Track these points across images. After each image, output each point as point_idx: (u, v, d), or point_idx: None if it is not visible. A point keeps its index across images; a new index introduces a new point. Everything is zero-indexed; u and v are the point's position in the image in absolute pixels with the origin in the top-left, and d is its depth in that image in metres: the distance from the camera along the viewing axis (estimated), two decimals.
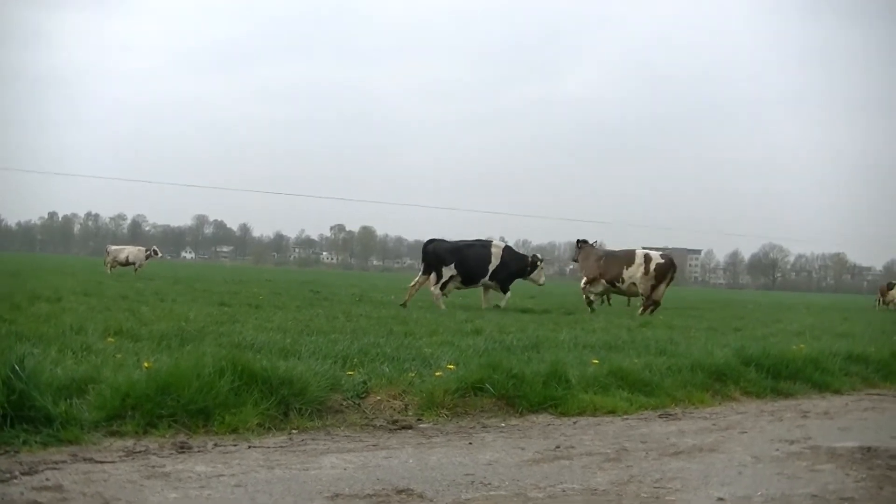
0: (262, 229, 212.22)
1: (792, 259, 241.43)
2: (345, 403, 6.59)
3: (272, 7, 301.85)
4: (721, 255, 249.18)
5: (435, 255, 23.50)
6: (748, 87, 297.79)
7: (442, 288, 23.02)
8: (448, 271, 23.08)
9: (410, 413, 6.66)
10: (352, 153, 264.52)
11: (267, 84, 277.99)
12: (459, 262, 23.26)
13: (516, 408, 6.98)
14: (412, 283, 23.97)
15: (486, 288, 23.91)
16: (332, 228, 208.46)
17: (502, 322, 16.01)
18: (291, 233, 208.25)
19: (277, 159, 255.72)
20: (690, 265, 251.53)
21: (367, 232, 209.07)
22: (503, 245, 24.88)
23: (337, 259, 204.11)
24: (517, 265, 24.22)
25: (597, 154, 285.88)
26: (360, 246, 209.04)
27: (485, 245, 24.41)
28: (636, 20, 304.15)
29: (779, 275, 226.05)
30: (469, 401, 6.91)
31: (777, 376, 8.74)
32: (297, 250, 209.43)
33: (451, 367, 7.61)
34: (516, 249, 26.17)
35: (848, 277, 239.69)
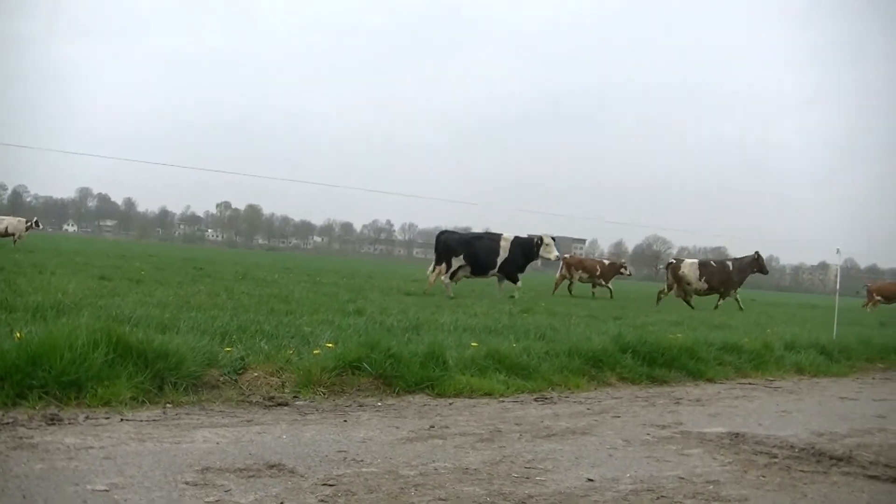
0: (147, 204, 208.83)
1: (675, 251, 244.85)
2: (221, 379, 6.51)
3: None
4: (605, 246, 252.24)
5: (446, 246, 24.87)
6: (640, 77, 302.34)
7: (451, 277, 24.29)
8: (457, 262, 24.41)
9: (287, 390, 6.60)
10: (247, 130, 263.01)
11: (163, 53, 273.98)
12: (469, 253, 24.49)
13: (393, 387, 6.97)
14: (429, 272, 25.34)
15: (499, 279, 24.76)
16: (218, 206, 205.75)
17: (385, 304, 16.00)
18: (177, 209, 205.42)
19: (169, 132, 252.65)
20: (575, 253, 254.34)
21: (253, 210, 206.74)
22: (512, 237, 25.37)
23: (222, 237, 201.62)
24: (525, 253, 24.95)
25: (488, 137, 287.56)
26: (245, 224, 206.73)
27: (493, 238, 25.31)
28: (529, 4, 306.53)
29: (661, 266, 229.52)
30: (346, 379, 6.87)
31: (653, 363, 8.87)
32: (182, 227, 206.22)
33: (330, 345, 7.58)
34: (521, 236, 26.69)
35: None
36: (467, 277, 25.15)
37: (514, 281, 24.51)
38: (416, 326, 10.37)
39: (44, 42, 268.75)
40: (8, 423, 5.02)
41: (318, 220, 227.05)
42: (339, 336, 8.42)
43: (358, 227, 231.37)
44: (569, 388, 7.72)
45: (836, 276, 15.03)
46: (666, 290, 29.09)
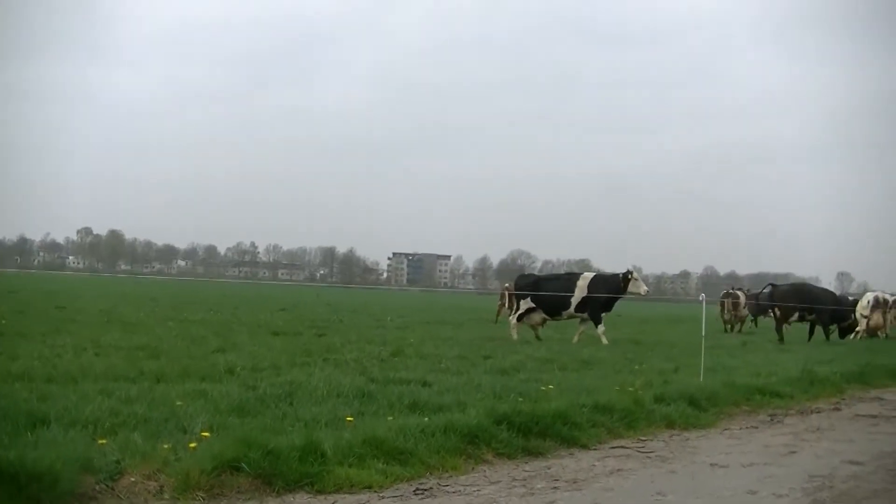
0: (4, 231, 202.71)
1: (539, 265, 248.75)
2: (98, 488, 6.30)
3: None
4: (470, 261, 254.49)
5: (516, 287, 25.71)
6: (493, 104, 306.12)
7: (519, 319, 24.75)
8: (525, 304, 24.75)
9: (166, 496, 6.43)
10: (104, 153, 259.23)
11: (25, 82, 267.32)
12: (538, 296, 24.62)
13: (273, 486, 6.82)
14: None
15: (583, 320, 24.58)
16: (78, 232, 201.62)
17: (255, 351, 15.77)
18: (36, 235, 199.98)
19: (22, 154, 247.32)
20: (440, 270, 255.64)
21: (114, 236, 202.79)
22: (591, 276, 25.28)
23: (84, 263, 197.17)
24: (608, 291, 24.58)
25: (350, 161, 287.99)
26: (108, 250, 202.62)
27: (570, 277, 25.54)
28: (388, 29, 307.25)
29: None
30: (225, 480, 6.71)
31: (528, 433, 8.87)
32: (41, 254, 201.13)
33: (206, 434, 7.42)
34: (604, 272, 26.72)
35: None
36: (545, 321, 25.16)
37: (596, 323, 24.20)
38: (289, 394, 10.22)
39: None
40: None
41: (181, 244, 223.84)
42: (213, 414, 8.26)
43: (222, 249, 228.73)
44: (446, 471, 7.66)
45: (702, 301, 15.27)
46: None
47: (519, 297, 25.27)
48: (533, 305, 24.76)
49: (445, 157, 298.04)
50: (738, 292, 38.79)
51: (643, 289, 25.07)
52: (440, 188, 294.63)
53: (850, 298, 34.25)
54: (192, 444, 7.08)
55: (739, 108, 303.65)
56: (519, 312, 25.00)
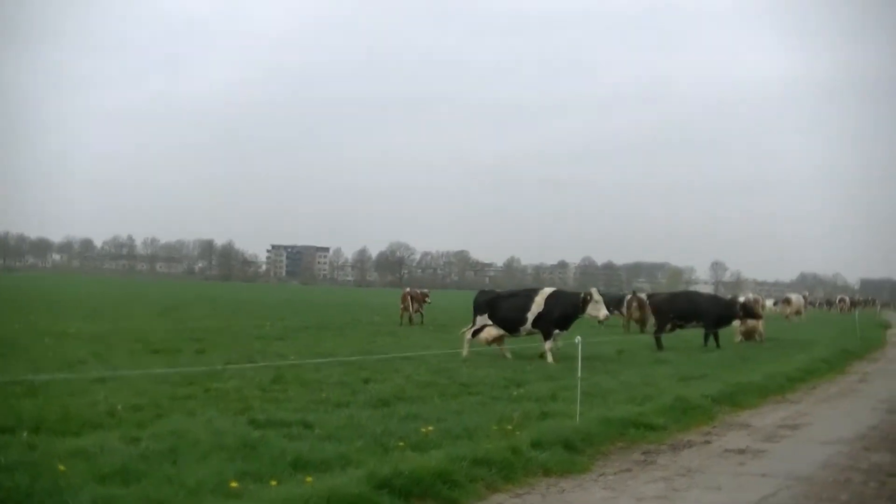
0: None
1: (418, 256, 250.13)
2: None
3: None
4: (349, 253, 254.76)
5: (475, 304, 25.68)
6: (366, 87, 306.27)
7: (474, 334, 25.07)
8: (481, 320, 24.95)
9: None
10: None
11: None
12: (493, 311, 24.87)
13: None
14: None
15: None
16: None
17: (135, 382, 15.62)
18: None
19: None
20: (319, 263, 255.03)
21: None
22: (549, 291, 25.20)
23: None
24: (565, 309, 24.55)
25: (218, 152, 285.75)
26: None
27: (528, 293, 25.30)
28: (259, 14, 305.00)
29: (405, 272, 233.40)
30: None
31: (408, 497, 9.03)
32: None
33: None
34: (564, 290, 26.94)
35: (471, 273, 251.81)
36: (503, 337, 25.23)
37: (546, 338, 24.28)
38: (173, 450, 10.18)
39: None
40: None
41: (56, 238, 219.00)
42: (97, 490, 8.19)
43: (98, 243, 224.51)
44: None
45: (578, 344, 15.51)
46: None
47: (476, 313, 25.48)
48: (489, 323, 25.00)
49: (323, 147, 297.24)
50: (642, 296, 41.51)
51: (602, 313, 24.77)
52: (319, 179, 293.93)
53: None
54: None
55: (611, 99, 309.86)
56: (474, 328, 25.24)
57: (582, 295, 24.86)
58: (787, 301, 63.68)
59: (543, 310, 24.45)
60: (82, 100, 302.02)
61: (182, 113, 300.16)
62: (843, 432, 14.68)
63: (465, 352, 24.39)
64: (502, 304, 25.21)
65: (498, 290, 27.62)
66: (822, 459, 12.36)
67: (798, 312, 61.58)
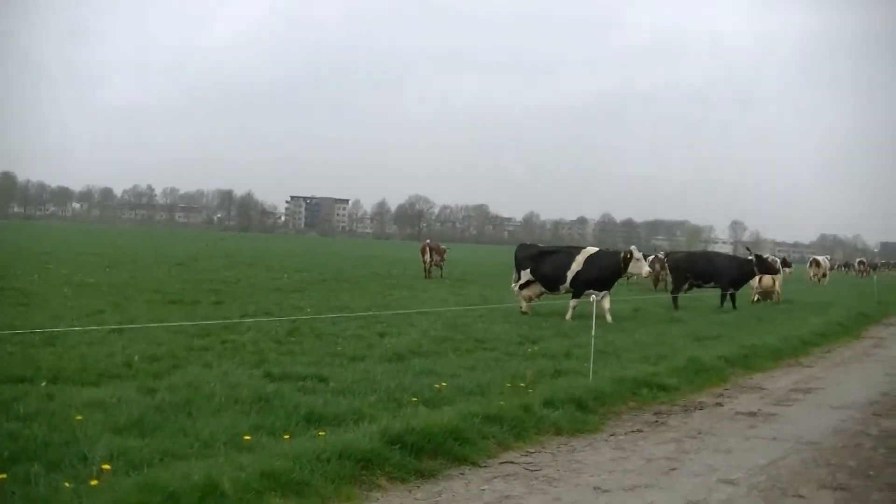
0: None
1: (437, 210, 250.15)
2: None
3: None
4: (368, 206, 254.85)
5: (515, 259, 25.78)
6: (390, 43, 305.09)
7: (522, 288, 25.12)
8: (525, 275, 25.07)
9: None
10: None
11: None
12: (536, 267, 25.00)
13: None
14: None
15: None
16: None
17: (152, 333, 15.74)
18: None
19: None
20: (338, 215, 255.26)
21: (6, 178, 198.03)
22: (592, 251, 25.11)
23: None
24: (605, 268, 24.63)
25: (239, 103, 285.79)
26: None
27: (570, 251, 25.33)
28: None
29: (424, 225, 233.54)
30: None
31: (420, 454, 9.10)
32: None
33: (106, 466, 7.47)
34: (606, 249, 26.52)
35: (490, 228, 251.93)
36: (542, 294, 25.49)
37: (576, 296, 24.52)
38: (188, 402, 10.29)
39: None
40: None
41: (76, 186, 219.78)
42: (113, 441, 8.28)
43: (118, 192, 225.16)
44: (341, 501, 7.82)
45: (594, 301, 15.54)
46: None
47: (518, 268, 25.52)
48: (532, 278, 25.07)
49: (343, 99, 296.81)
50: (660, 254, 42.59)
51: (645, 269, 25.19)
52: (339, 130, 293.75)
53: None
54: (94, 482, 7.14)
55: (629, 54, 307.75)
56: (520, 283, 25.33)
57: (622, 254, 24.93)
58: (816, 263, 63.30)
59: (582, 269, 24.51)
60: (103, 51, 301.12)
61: (203, 65, 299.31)
62: (854, 398, 14.71)
63: (524, 306, 24.72)
64: (545, 260, 25.23)
65: (540, 245, 27.40)
66: (832, 424, 12.40)
67: (825, 275, 61.34)
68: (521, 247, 26.53)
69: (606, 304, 24.00)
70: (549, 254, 25.61)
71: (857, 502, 8.60)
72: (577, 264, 24.53)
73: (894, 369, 18.52)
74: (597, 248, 25.96)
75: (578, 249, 25.40)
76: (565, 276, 24.61)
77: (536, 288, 25.00)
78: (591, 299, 15.14)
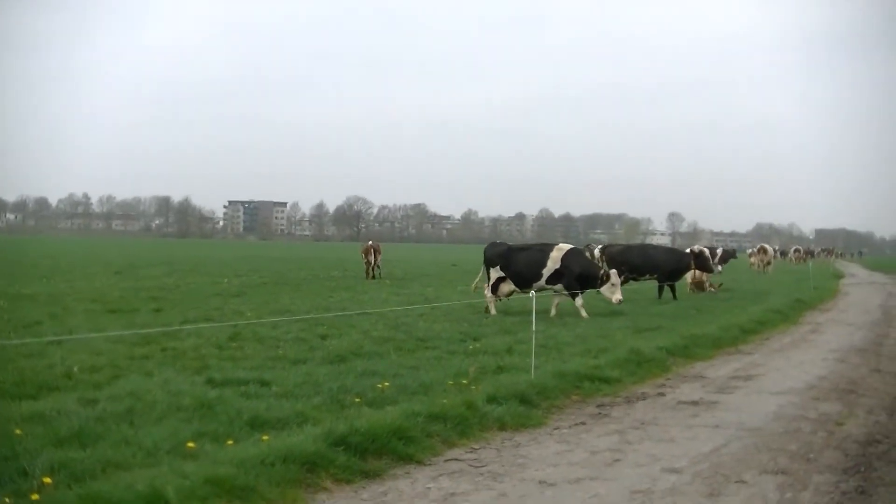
0: None
1: (375, 210, 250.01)
2: None
3: None
4: (307, 208, 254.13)
5: (485, 257, 25.23)
6: (323, 47, 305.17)
7: (493, 290, 24.69)
8: (495, 273, 24.62)
9: None
10: None
11: None
12: (507, 265, 24.53)
13: None
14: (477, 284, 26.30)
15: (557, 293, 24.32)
16: None
17: (92, 343, 15.54)
18: None
19: None
20: (277, 218, 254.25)
21: None
22: (567, 248, 24.89)
23: None
24: (583, 265, 24.85)
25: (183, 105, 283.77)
26: None
27: (543, 248, 24.97)
28: None
29: (363, 226, 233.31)
30: None
31: (364, 454, 9.07)
32: None
33: (47, 480, 7.39)
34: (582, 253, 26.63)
35: (429, 227, 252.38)
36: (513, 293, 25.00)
37: (573, 296, 24.09)
38: (130, 411, 10.20)
39: None
40: None
41: (10, 197, 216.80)
42: (55, 454, 8.15)
43: (53, 201, 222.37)
44: None
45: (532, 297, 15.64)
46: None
47: (488, 266, 25.16)
48: (503, 275, 24.76)
49: (278, 102, 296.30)
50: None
51: (616, 297, 24.83)
52: (275, 134, 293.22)
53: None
54: (35, 496, 7.04)
55: (565, 52, 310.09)
56: (492, 282, 24.96)
57: (602, 272, 25.05)
58: (764, 250, 63.65)
59: (560, 267, 24.40)
60: (32, 58, 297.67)
61: (137, 69, 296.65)
62: (793, 383, 14.92)
63: (492, 311, 24.34)
64: (516, 257, 24.96)
65: (510, 243, 27.25)
66: (773, 410, 12.57)
67: (769, 263, 61.89)
68: (491, 245, 26.15)
69: (580, 301, 24.11)
70: (521, 251, 25.50)
71: (799, 485, 8.71)
72: (553, 262, 24.39)
73: (831, 353, 18.80)
74: (571, 246, 26.07)
75: (551, 246, 25.33)
76: (540, 274, 24.45)
77: (507, 286, 24.87)
78: (531, 294, 15.20)
